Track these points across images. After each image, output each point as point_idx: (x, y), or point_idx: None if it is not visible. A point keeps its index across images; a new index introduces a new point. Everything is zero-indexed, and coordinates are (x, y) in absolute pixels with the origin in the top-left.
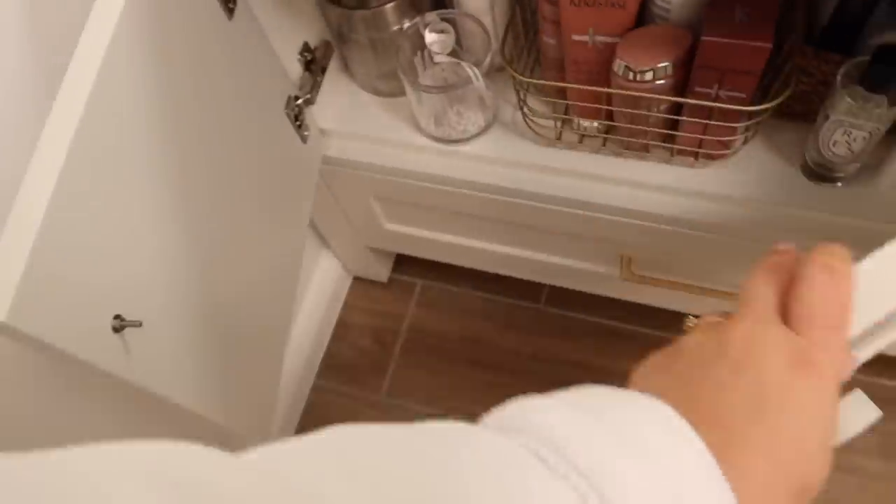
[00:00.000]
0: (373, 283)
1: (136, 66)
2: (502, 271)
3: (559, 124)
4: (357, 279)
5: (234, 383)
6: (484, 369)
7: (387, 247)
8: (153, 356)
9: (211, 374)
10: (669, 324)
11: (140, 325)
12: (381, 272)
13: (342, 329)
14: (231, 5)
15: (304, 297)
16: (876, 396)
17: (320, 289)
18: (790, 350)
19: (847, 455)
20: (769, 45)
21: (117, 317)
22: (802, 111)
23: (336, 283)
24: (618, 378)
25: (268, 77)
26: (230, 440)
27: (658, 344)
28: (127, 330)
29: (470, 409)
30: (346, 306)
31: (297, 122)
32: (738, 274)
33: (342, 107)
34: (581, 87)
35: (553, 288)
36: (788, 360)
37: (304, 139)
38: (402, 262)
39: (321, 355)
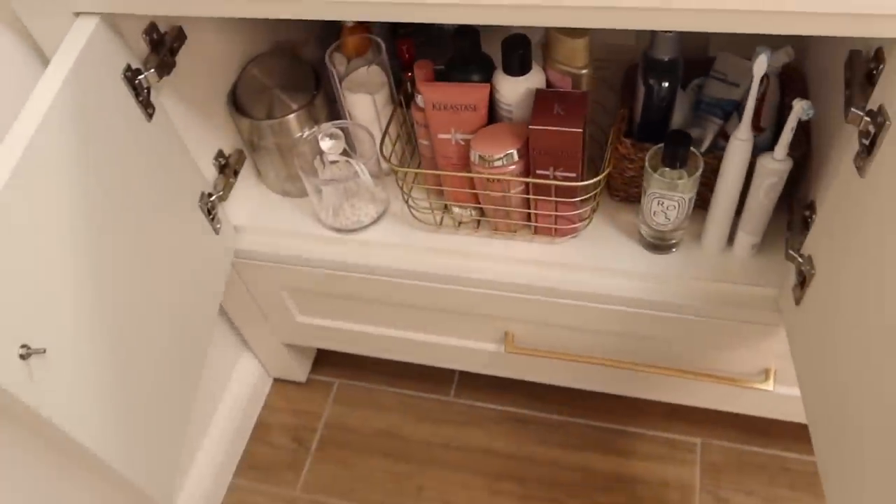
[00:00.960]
0: (292, 383)
1: (63, 147)
2: (407, 358)
3: (439, 215)
4: (277, 381)
5: (137, 433)
6: (396, 460)
7: (301, 341)
8: (57, 386)
9: (114, 418)
10: (567, 405)
11: (44, 351)
12: (300, 373)
13: (260, 429)
14: (150, 111)
15: (221, 400)
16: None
17: (240, 391)
18: None
19: None
20: (580, 130)
21: (24, 346)
22: (637, 195)
23: (256, 386)
24: (524, 461)
25: (183, 174)
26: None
27: (560, 427)
28: (33, 357)
29: (382, 499)
30: (266, 407)
31: (210, 216)
32: (605, 341)
33: (253, 206)
34: (448, 173)
35: (461, 381)
36: None
37: (216, 231)
38: (320, 363)
39: (239, 456)
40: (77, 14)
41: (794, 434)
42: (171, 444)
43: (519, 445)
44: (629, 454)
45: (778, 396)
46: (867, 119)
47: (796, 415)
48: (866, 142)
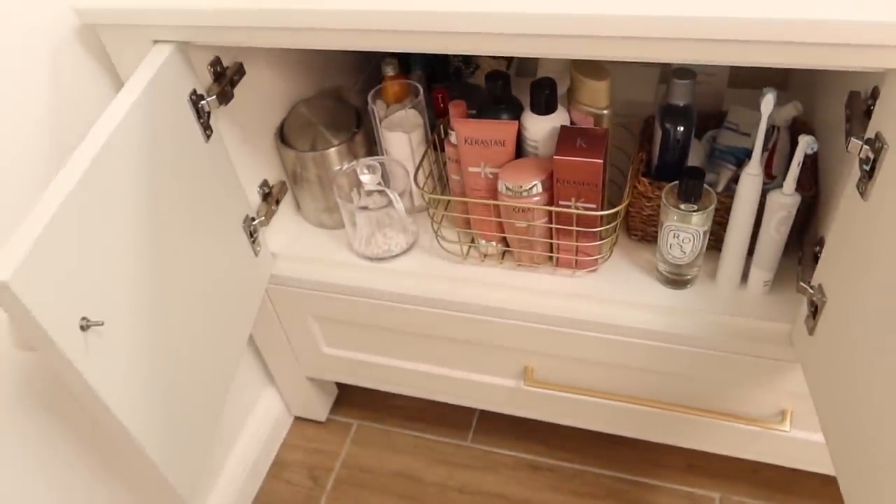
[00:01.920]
0: (311, 422)
1: (131, 153)
2: (428, 395)
3: (466, 247)
4: (297, 419)
5: (172, 423)
6: (411, 501)
7: (326, 375)
8: (108, 362)
9: (154, 403)
10: (584, 453)
11: (102, 324)
12: (320, 412)
13: (278, 467)
14: (209, 133)
15: (242, 433)
16: None
17: (260, 427)
18: None
19: None
20: (601, 161)
21: (84, 318)
22: (654, 234)
23: (277, 423)
24: None
25: (231, 194)
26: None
27: (575, 475)
28: (91, 330)
29: None
30: (285, 445)
31: (252, 238)
32: (623, 377)
33: (291, 235)
34: (477, 200)
35: (478, 426)
36: None
37: (256, 253)
38: (340, 403)
39: (255, 491)
40: (155, 42)
41: (814, 491)
42: (200, 443)
43: (533, 492)
44: None
45: (795, 441)
46: (866, 147)
47: (814, 463)
48: (867, 167)
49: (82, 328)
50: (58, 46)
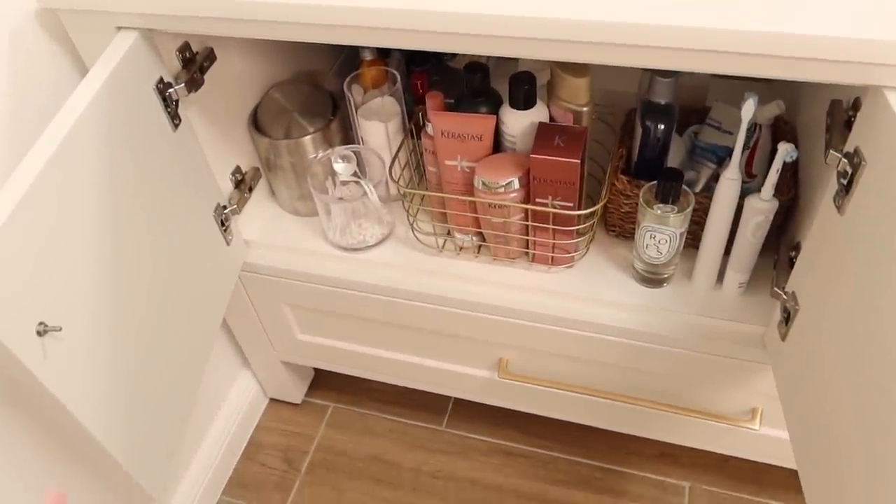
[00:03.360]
0: (287, 404)
1: (95, 145)
2: (403, 382)
3: (442, 239)
4: (273, 401)
5: (136, 423)
6: (385, 486)
7: (300, 360)
8: (68, 366)
9: (117, 405)
10: (557, 441)
11: (60, 330)
12: (296, 394)
13: (253, 448)
14: (177, 121)
15: (216, 416)
16: None
17: (235, 409)
18: None
19: None
20: (577, 161)
21: (41, 323)
22: (632, 231)
23: (252, 405)
24: (509, 494)
25: (201, 184)
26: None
27: (548, 462)
28: (48, 335)
29: None
30: (259, 427)
31: (224, 227)
32: (596, 372)
33: (264, 222)
34: (453, 196)
35: (453, 412)
36: None
37: (227, 242)
38: (316, 386)
39: (229, 473)
40: (119, 28)
41: (783, 483)
42: (167, 441)
43: (506, 478)
44: (616, 493)
45: (765, 438)
46: (844, 160)
47: (782, 459)
48: (844, 181)
49: (39, 333)
50: (16, 29)
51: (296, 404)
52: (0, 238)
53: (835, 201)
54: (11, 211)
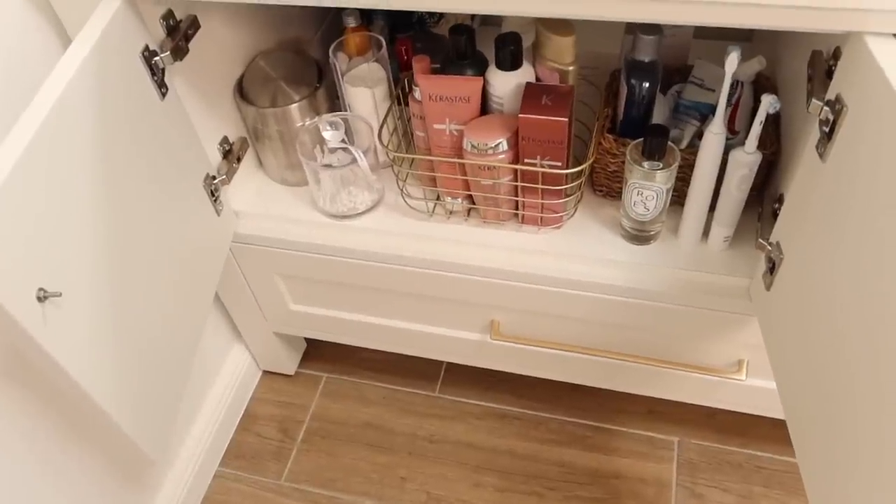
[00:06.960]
0: (280, 375)
1: (83, 113)
2: (396, 348)
3: (432, 204)
4: (266, 373)
5: (138, 388)
6: (381, 452)
7: (293, 331)
8: (68, 331)
9: (118, 370)
10: (549, 402)
11: (60, 295)
12: (289, 365)
13: (248, 420)
14: (164, 90)
15: (211, 389)
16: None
17: (229, 381)
18: None
19: None
20: (565, 119)
21: (41, 289)
22: (619, 191)
23: (245, 377)
24: (504, 455)
25: (190, 154)
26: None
27: (541, 423)
28: (49, 301)
29: (366, 490)
30: (254, 398)
31: (214, 197)
32: (587, 330)
33: (253, 192)
34: (442, 158)
35: (445, 378)
36: None
37: (217, 212)
38: (309, 357)
39: (225, 444)
40: None
41: (769, 435)
42: (167, 405)
43: (500, 440)
44: (608, 450)
45: (751, 389)
46: (826, 108)
47: (769, 409)
48: (826, 129)
49: (39, 299)
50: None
51: (289, 376)
52: None
53: (817, 149)
54: (7, 176)
